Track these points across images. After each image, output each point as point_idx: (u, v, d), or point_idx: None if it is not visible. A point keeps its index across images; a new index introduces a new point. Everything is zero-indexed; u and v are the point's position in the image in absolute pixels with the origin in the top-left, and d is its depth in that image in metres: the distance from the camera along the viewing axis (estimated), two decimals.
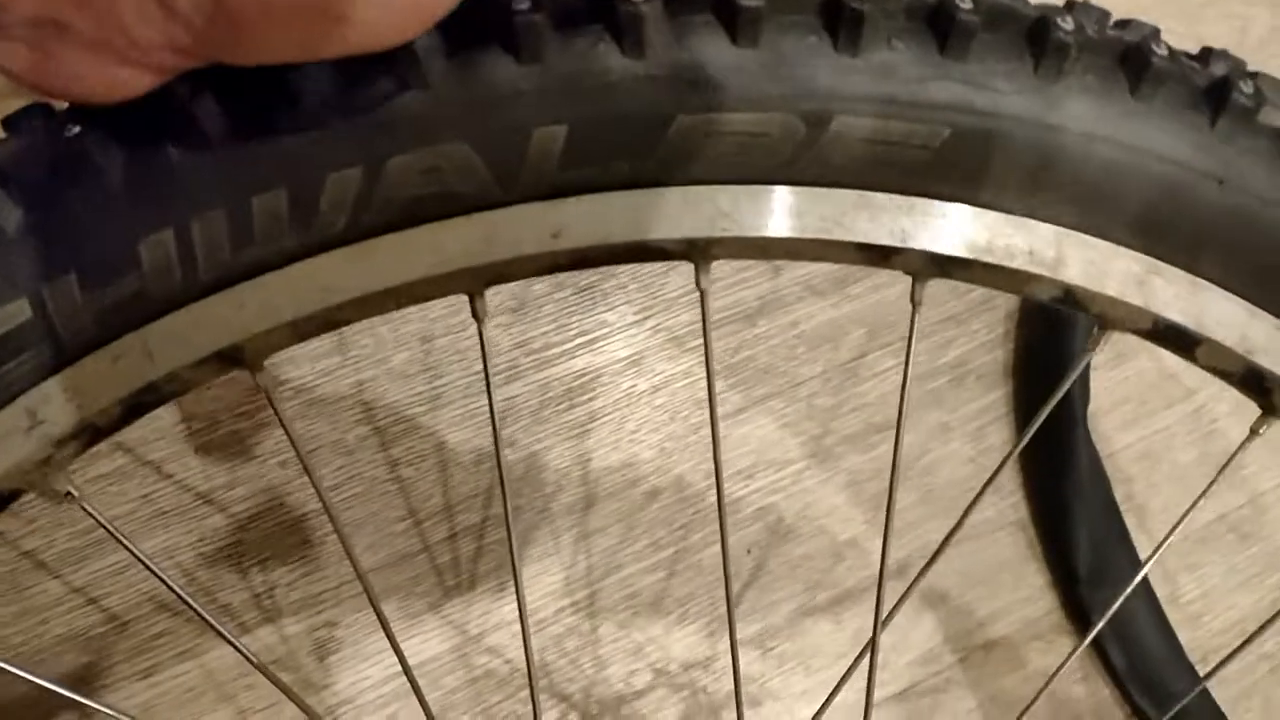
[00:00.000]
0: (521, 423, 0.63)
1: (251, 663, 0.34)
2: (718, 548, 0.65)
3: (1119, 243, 0.26)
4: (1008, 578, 0.69)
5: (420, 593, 0.60)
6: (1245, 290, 0.27)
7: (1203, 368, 0.28)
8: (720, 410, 0.67)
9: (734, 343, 0.68)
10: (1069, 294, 0.27)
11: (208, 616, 0.33)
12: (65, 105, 0.26)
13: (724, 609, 0.65)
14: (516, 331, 0.64)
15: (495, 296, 0.64)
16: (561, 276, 0.64)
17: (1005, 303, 0.72)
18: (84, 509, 0.32)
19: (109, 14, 0.21)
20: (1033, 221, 0.26)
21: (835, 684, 0.38)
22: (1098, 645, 0.68)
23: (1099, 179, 0.25)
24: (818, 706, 0.39)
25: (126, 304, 0.26)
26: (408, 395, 0.62)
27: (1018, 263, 0.26)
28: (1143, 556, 0.70)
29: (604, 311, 0.66)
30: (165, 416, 0.58)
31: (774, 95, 0.24)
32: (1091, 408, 0.70)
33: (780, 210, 0.25)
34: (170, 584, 0.32)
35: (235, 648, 0.33)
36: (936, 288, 0.76)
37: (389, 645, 0.34)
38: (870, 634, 0.35)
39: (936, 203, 0.25)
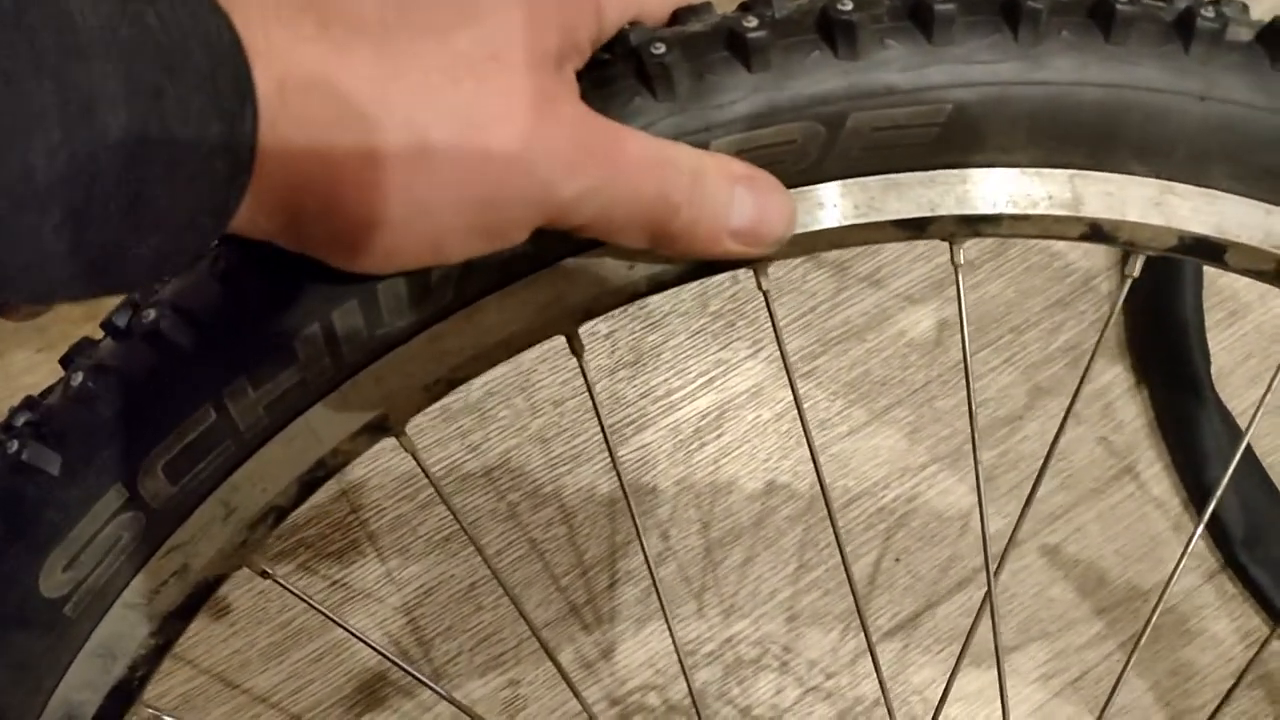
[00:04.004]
0: (659, 467, 0.66)
1: (469, 714, 0.37)
2: (867, 560, 0.67)
3: (1128, 172, 0.28)
4: (1164, 551, 0.68)
5: (593, 640, 0.64)
6: (1257, 191, 0.29)
7: (1238, 272, 0.29)
8: (846, 426, 0.69)
9: (847, 361, 0.70)
10: (1095, 228, 0.29)
11: (420, 676, 0.37)
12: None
13: (884, 619, 0.66)
14: (640, 382, 0.68)
15: (615, 351, 0.68)
16: (675, 325, 0.68)
17: (1108, 280, 0.72)
18: (280, 584, 0.36)
19: None
20: (1045, 169, 0.28)
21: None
22: (1272, 609, 0.67)
23: (1094, 120, 0.28)
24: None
25: (291, 394, 0.30)
26: (550, 457, 0.66)
27: (1041, 209, 0.28)
28: None
29: (719, 350, 0.69)
30: (337, 511, 0.64)
31: (792, 107, 0.28)
32: (1215, 368, 0.69)
33: (817, 206, 0.29)
34: (377, 647, 0.37)
35: (449, 700, 0.37)
36: (1036, 277, 0.76)
37: (573, 695, 0.37)
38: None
39: (954, 170, 0.28)
